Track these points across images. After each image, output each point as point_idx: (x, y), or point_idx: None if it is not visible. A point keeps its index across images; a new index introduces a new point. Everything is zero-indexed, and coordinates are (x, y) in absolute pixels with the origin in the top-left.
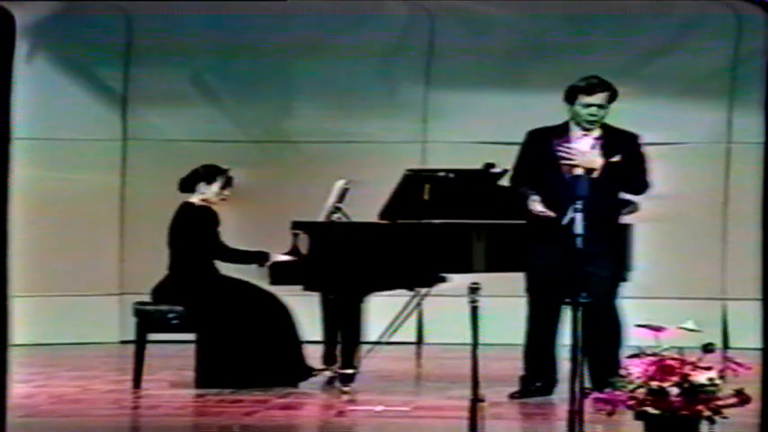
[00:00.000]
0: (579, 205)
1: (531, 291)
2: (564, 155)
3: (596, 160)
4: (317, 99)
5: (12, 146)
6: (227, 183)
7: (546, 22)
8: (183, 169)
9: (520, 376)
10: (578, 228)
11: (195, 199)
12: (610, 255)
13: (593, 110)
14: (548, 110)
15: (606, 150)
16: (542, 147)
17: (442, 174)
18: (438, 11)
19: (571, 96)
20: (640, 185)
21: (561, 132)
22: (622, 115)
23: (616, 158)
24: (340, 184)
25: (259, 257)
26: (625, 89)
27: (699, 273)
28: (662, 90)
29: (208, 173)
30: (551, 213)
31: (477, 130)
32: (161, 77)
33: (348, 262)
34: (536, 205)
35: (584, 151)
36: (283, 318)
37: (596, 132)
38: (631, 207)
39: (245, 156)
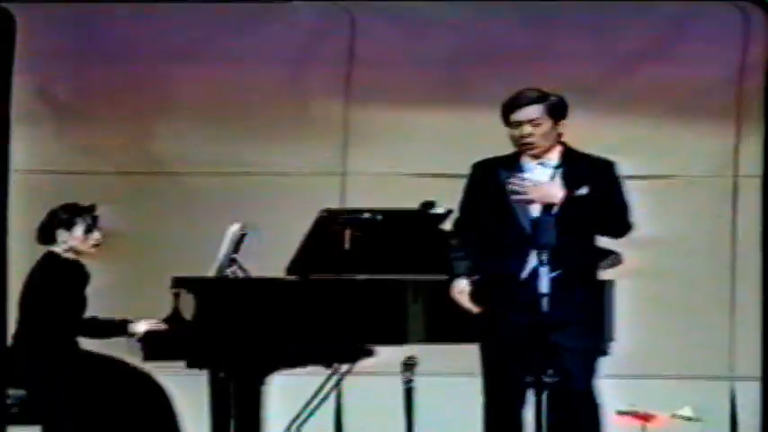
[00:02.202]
0: (545, 256)
1: (489, 366)
2: (516, 188)
3: (555, 193)
4: (202, 118)
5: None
6: (93, 225)
7: (499, 22)
8: (28, 210)
9: None
10: (543, 285)
11: (60, 249)
12: (584, 321)
13: (526, 129)
14: (503, 132)
15: (569, 181)
16: (489, 181)
17: (367, 215)
18: (360, 7)
19: (503, 117)
20: (617, 226)
21: (511, 162)
22: (596, 140)
23: (582, 191)
24: (235, 228)
25: (119, 329)
26: (599, 106)
27: (700, 344)
28: (648, 107)
29: (65, 215)
30: (473, 309)
31: (411, 159)
32: None
33: (245, 330)
34: (460, 296)
35: (539, 183)
36: (159, 404)
37: (554, 159)
38: (612, 258)
39: (109, 191)
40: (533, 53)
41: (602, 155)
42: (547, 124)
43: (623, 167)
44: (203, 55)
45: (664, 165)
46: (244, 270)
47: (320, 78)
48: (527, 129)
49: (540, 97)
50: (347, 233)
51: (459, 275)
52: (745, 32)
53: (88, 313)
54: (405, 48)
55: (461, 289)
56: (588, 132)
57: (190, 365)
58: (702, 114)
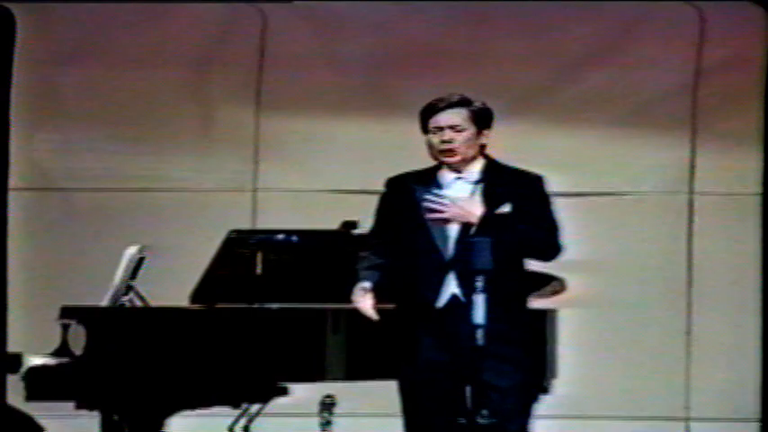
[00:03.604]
0: (480, 281)
1: (407, 406)
2: (431, 206)
3: (473, 210)
4: (94, 127)
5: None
6: None
7: (429, 20)
8: None
9: None
10: (479, 315)
11: None
12: (516, 356)
13: (447, 134)
14: None
15: (491, 197)
16: (403, 198)
17: (281, 237)
18: (272, 4)
19: (422, 124)
20: (544, 248)
21: (427, 177)
22: (535, 152)
23: (504, 209)
24: (131, 251)
25: (8, 363)
26: (539, 115)
27: (652, 381)
28: (595, 118)
29: None
30: (373, 315)
31: (330, 174)
32: None
33: (142, 366)
34: (361, 298)
35: (456, 200)
36: None
37: (475, 173)
38: (554, 285)
39: None
40: (465, 55)
41: (540, 169)
42: (470, 131)
43: (567, 183)
44: (95, 56)
45: (611, 180)
46: (141, 298)
47: (227, 83)
48: (448, 134)
49: (464, 101)
50: (259, 256)
51: (361, 280)
52: (701, 34)
53: None
54: (321, 50)
55: (365, 288)
56: (527, 143)
57: (79, 406)
58: (654, 124)
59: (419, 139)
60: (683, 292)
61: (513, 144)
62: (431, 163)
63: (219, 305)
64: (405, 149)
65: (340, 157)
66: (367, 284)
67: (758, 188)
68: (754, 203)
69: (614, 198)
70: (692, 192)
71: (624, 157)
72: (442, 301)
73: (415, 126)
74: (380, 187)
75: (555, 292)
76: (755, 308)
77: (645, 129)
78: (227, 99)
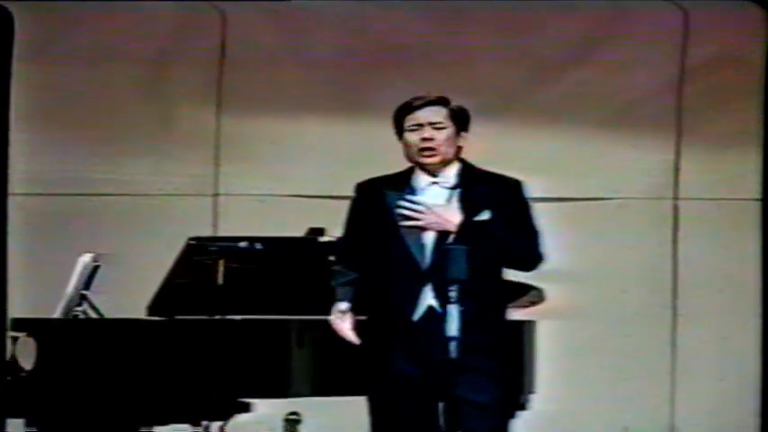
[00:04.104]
0: (454, 291)
1: (377, 423)
2: (406, 213)
3: (450, 218)
4: (47, 129)
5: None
6: None
7: (399, 17)
8: None
9: None
10: (452, 327)
11: None
12: (492, 370)
13: (427, 132)
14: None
15: (468, 204)
16: (375, 204)
17: (243, 244)
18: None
19: (397, 124)
20: (525, 257)
21: (400, 181)
22: (513, 155)
23: (484, 216)
24: (85, 259)
25: None
26: (517, 116)
27: (635, 397)
28: (575, 119)
29: None
30: (354, 339)
31: (296, 178)
32: None
33: (96, 382)
34: (339, 321)
35: (433, 206)
36: None
37: (452, 178)
38: (532, 294)
39: None
40: (439, 54)
41: (518, 173)
42: (450, 130)
43: (545, 188)
44: (48, 55)
45: (593, 185)
46: (96, 309)
47: (187, 82)
48: (428, 132)
49: (443, 99)
50: (220, 265)
51: (340, 300)
52: (684, 32)
53: None
54: (285, 48)
55: (343, 310)
56: (505, 146)
57: (29, 425)
58: (638, 126)
59: (389, 141)
60: (668, 301)
61: (490, 147)
62: (403, 166)
63: (178, 317)
64: (375, 152)
65: (306, 160)
66: (344, 306)
67: (745, 193)
68: (742, 208)
69: (596, 203)
70: (677, 197)
71: (607, 161)
72: (419, 313)
73: (386, 128)
74: (350, 192)
75: (533, 303)
76: (744, 317)
77: (628, 131)
78: (186, 99)
